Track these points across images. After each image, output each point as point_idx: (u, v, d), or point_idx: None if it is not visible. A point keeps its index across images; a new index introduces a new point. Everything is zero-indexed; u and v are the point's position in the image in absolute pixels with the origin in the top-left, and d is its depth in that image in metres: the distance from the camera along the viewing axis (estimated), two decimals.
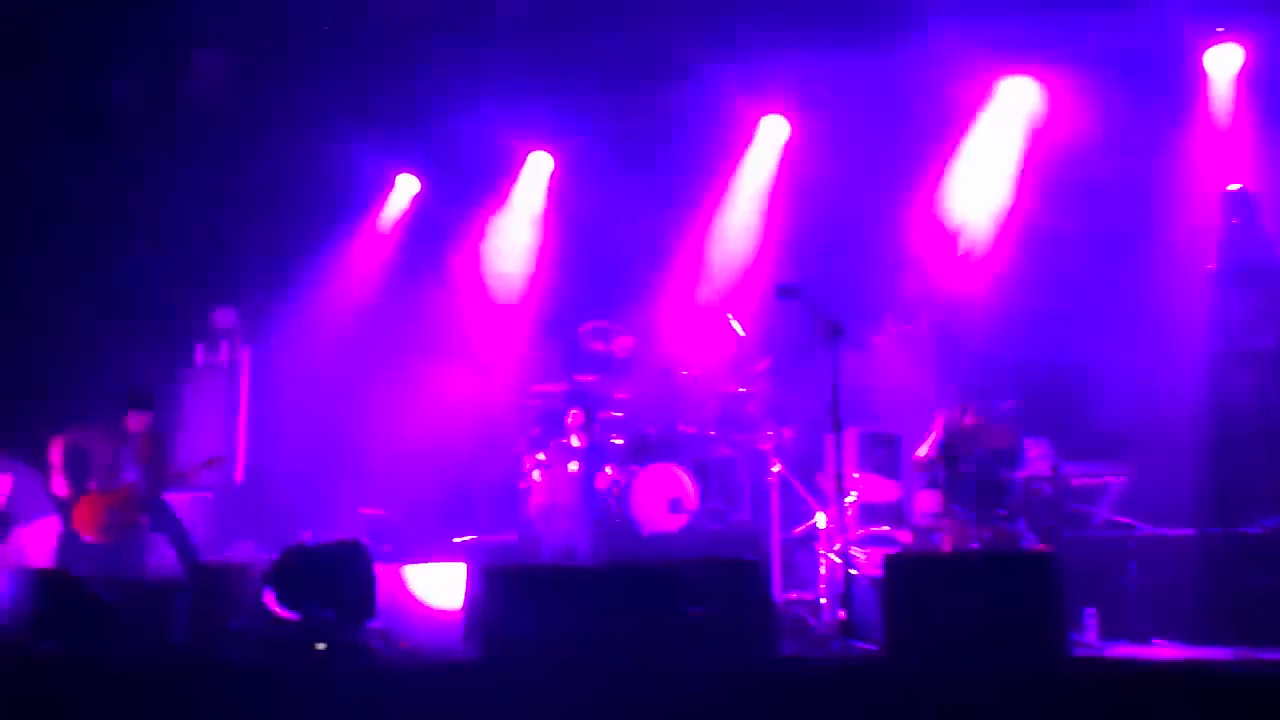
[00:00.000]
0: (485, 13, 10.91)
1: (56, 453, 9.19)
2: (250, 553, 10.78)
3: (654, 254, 11.74)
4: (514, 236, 12.77)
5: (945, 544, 8.55)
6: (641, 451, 10.64)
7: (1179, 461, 9.32)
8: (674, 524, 9.93)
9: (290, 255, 12.51)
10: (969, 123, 11.06)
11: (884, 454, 9.82)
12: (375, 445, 12.21)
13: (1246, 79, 10.26)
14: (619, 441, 10.72)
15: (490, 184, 12.72)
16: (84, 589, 7.33)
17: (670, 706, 5.04)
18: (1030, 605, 5.40)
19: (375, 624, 6.16)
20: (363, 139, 12.06)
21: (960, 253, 10.96)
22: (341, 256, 12.93)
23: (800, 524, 9.28)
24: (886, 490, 9.22)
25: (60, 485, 9.08)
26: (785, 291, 7.56)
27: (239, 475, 12.17)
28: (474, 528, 10.39)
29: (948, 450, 9.10)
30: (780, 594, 8.57)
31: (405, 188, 13.15)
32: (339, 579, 6.07)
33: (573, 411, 10.29)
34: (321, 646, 5.83)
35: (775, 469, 9.34)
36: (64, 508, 9.07)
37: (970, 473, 8.76)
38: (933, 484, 9.22)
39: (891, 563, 5.87)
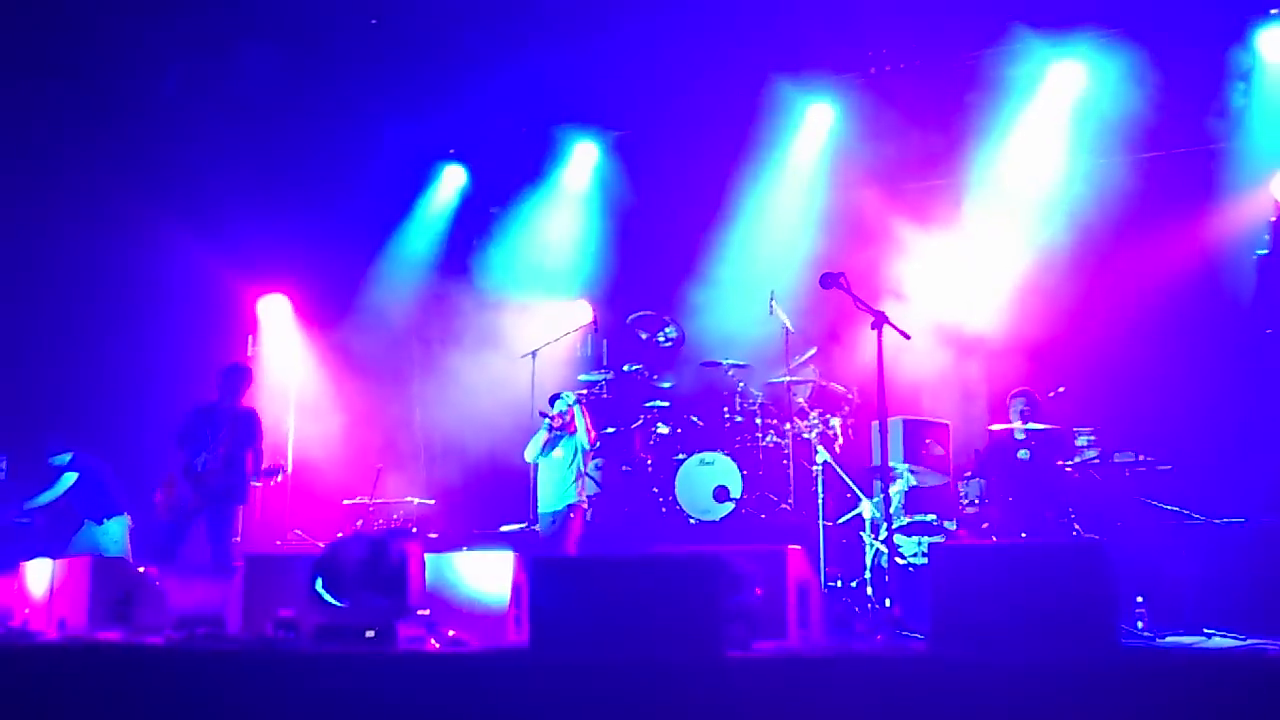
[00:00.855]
0: (532, 1, 10.93)
1: (258, 427, 9.24)
2: (300, 542, 10.93)
3: (699, 242, 11.73)
4: (559, 226, 12.79)
5: (992, 533, 8.51)
6: (687, 441, 10.66)
7: (1231, 449, 9.21)
8: (720, 513, 9.94)
9: (338, 245, 12.60)
10: (1020, 106, 10.94)
11: (930, 442, 9.76)
12: (423, 434, 12.30)
13: None
14: (665, 430, 10.75)
15: (536, 174, 12.74)
16: (144, 577, 7.47)
17: (715, 694, 5.05)
18: (1080, 595, 5.34)
19: (423, 612, 6.21)
20: (410, 129, 12.13)
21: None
22: (389, 246, 13.02)
23: (846, 513, 9.27)
24: (933, 479, 9.18)
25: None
26: (829, 280, 7.52)
27: (289, 466, 12.29)
28: (521, 516, 10.46)
29: (997, 440, 9.06)
30: (825, 584, 8.56)
31: (451, 178, 13.22)
32: (387, 568, 6.12)
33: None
34: (370, 634, 5.88)
35: (821, 458, 9.32)
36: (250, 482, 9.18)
37: (1019, 462, 8.71)
38: (980, 472, 9.18)
39: (938, 552, 5.83)
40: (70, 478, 9.86)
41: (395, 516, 10.98)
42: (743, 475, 9.97)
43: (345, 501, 11.41)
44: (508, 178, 12.83)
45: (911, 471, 9.00)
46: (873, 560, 8.57)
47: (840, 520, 9.24)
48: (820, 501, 9.11)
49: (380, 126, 12.15)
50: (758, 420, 10.49)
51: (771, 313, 10.42)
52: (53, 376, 11.17)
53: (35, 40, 10.67)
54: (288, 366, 12.75)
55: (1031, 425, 9.12)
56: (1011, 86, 10.81)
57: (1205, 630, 7.53)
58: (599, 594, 5.48)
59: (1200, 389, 9.70)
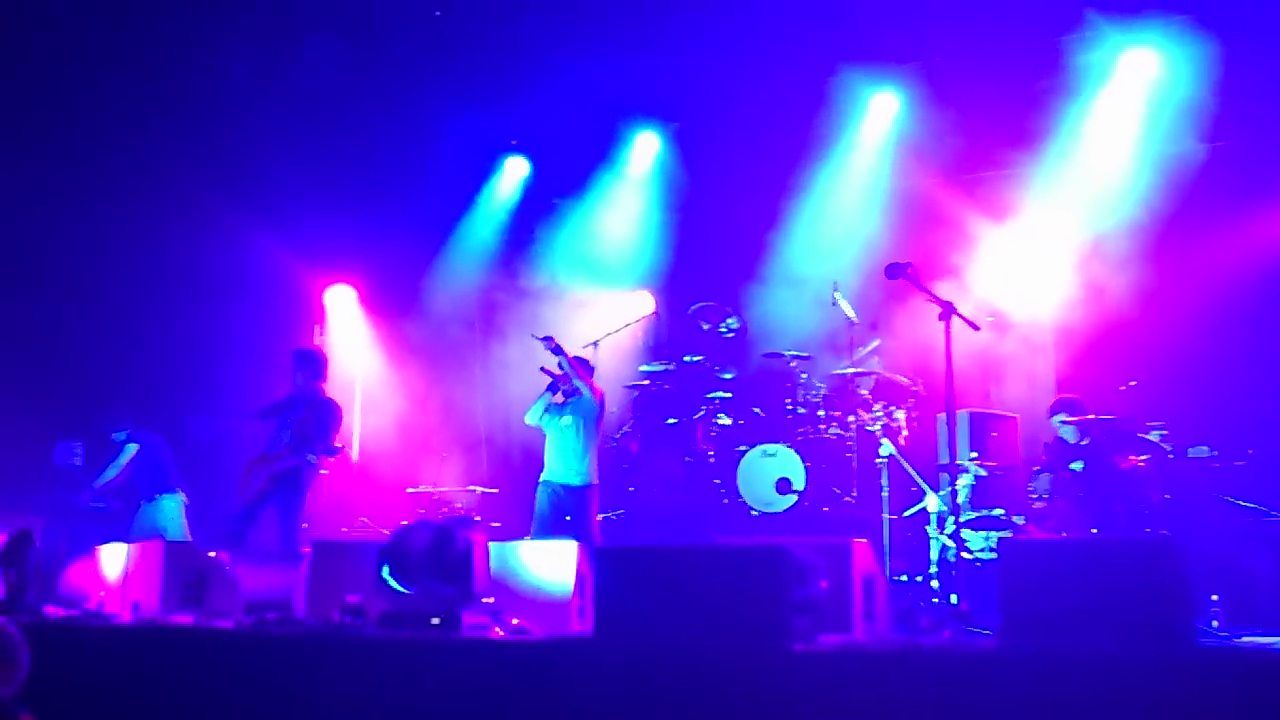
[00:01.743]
0: None
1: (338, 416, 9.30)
2: (365, 529, 11.04)
3: (762, 233, 11.67)
4: (622, 216, 12.79)
5: (1062, 528, 8.40)
6: (750, 432, 10.62)
7: None
8: (782, 505, 9.90)
9: (403, 236, 12.71)
10: (1091, 94, 10.76)
11: (998, 435, 9.65)
12: (487, 422, 12.37)
13: None
14: (727, 421, 10.72)
15: (598, 164, 12.74)
16: (215, 562, 7.58)
17: (780, 687, 5.03)
18: (1154, 592, 5.23)
19: (488, 600, 6.24)
20: (473, 120, 12.19)
21: None
22: (452, 238, 13.10)
23: (911, 506, 9.18)
24: (1000, 472, 9.07)
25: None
26: (896, 270, 7.44)
27: (353, 453, 12.43)
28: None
29: (1068, 433, 8.93)
30: (890, 578, 8.49)
31: (514, 169, 13.27)
32: (453, 555, 6.15)
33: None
34: (436, 621, 5.92)
35: (885, 450, 9.24)
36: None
37: (1090, 455, 8.57)
38: (1050, 466, 9.05)
39: (1007, 547, 5.74)
40: (132, 449, 10.03)
41: (458, 505, 11.06)
42: (805, 467, 9.92)
43: (409, 490, 11.52)
44: (570, 168, 12.85)
45: (978, 465, 8.89)
46: (939, 555, 8.49)
47: (905, 514, 9.15)
48: (885, 495, 9.03)
49: (444, 118, 12.22)
50: (820, 412, 10.42)
51: (835, 304, 10.35)
52: (127, 366, 11.36)
53: (108, 38, 10.86)
54: (353, 356, 12.89)
55: (1087, 420, 8.95)
56: (1083, 74, 10.62)
57: None
58: (664, 584, 5.47)
59: (1277, 382, 9.49)
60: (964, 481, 8.76)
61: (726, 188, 12.00)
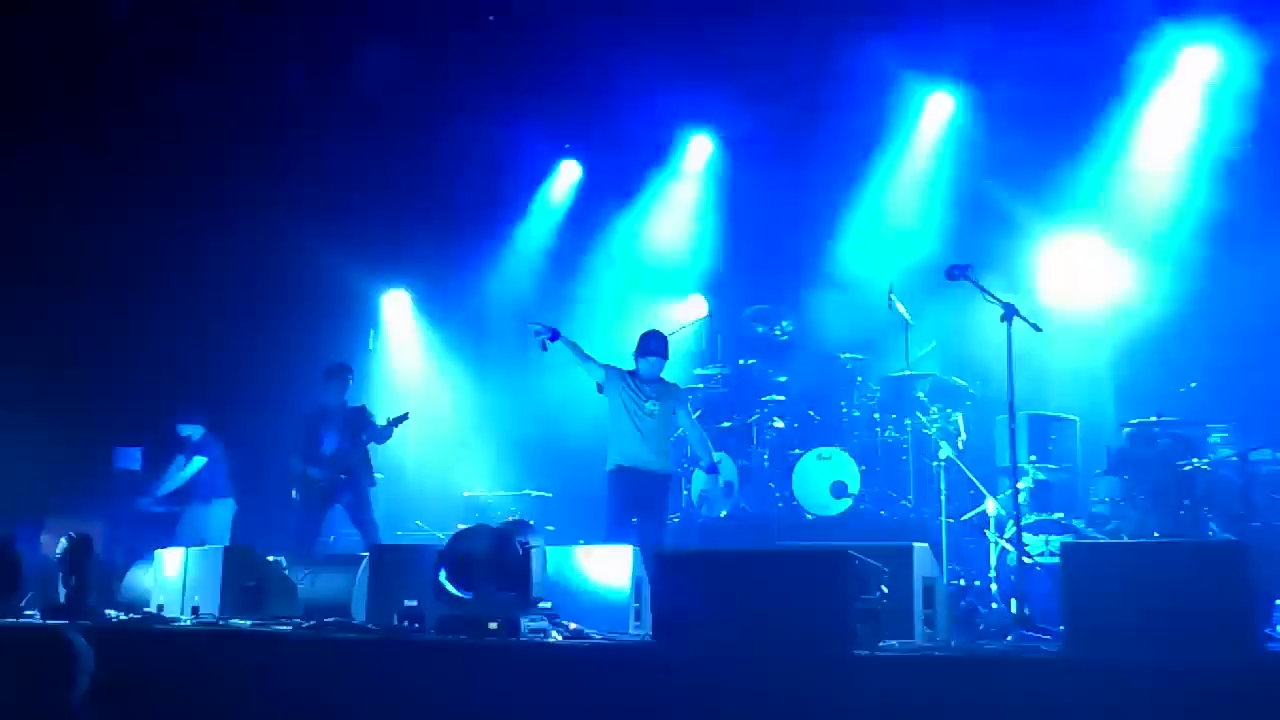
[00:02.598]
0: None
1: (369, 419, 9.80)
2: (421, 533, 11.09)
3: (817, 235, 11.61)
4: (675, 220, 12.77)
5: (1125, 532, 8.27)
6: (805, 435, 10.56)
7: None
8: (838, 508, 9.84)
9: (457, 241, 12.78)
10: (1150, 91, 10.61)
11: (1058, 438, 9.53)
12: (543, 427, 12.38)
13: None
14: (781, 424, 10.66)
15: (652, 168, 12.74)
16: (274, 567, 7.65)
17: (842, 693, 4.99)
18: (1219, 598, 5.14)
19: (545, 605, 6.25)
20: (527, 125, 12.23)
21: None
22: (506, 242, 13.15)
23: (969, 510, 9.08)
24: (1061, 475, 8.96)
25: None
26: (956, 272, 7.36)
27: (407, 459, 12.49)
28: None
29: (1130, 437, 8.79)
30: (949, 583, 8.40)
31: (568, 173, 13.29)
32: (511, 560, 6.16)
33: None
34: (493, 626, 5.94)
35: (943, 454, 9.15)
36: None
37: (1152, 459, 8.43)
38: (1112, 470, 8.91)
39: (1069, 552, 5.67)
40: (200, 461, 10.15)
41: (514, 510, 11.08)
42: (861, 470, 9.85)
43: (465, 493, 11.56)
44: (624, 172, 12.85)
45: (1038, 468, 8.79)
46: (997, 559, 8.39)
47: (964, 518, 9.05)
48: (943, 498, 8.94)
49: (497, 124, 12.27)
50: (876, 415, 10.34)
51: (891, 306, 10.26)
52: (186, 370, 11.51)
53: (173, 46, 11.05)
54: (408, 360, 12.98)
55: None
56: (1142, 71, 10.48)
57: None
58: (723, 589, 5.46)
59: None
60: (1023, 484, 8.65)
61: (780, 189, 11.93)
